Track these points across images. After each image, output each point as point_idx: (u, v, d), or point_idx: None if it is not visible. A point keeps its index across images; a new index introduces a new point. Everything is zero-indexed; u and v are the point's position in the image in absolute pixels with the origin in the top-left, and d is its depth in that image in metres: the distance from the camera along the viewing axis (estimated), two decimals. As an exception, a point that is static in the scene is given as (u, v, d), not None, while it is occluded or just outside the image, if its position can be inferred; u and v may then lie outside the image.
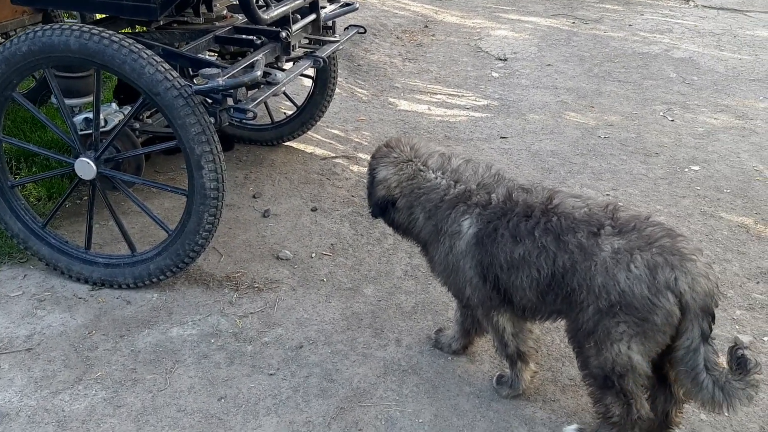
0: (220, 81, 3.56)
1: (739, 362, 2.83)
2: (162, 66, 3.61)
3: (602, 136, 6.81)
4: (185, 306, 4.01)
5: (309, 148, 6.19)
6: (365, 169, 5.84)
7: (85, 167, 3.88)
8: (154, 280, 4.04)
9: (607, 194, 5.65)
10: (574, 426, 3.21)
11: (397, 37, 10.10)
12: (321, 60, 4.61)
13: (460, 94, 7.97)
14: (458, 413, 3.36)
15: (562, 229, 2.96)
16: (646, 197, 5.63)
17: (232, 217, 4.94)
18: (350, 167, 5.93)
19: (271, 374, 3.54)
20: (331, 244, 4.76)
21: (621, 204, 3.07)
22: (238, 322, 3.91)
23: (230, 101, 3.70)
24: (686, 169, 6.15)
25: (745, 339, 3.97)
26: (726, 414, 2.99)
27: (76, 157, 3.90)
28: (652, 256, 2.80)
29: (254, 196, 5.30)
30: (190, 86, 3.60)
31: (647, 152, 6.48)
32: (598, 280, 2.85)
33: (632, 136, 6.83)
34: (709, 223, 5.28)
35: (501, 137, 6.73)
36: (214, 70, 3.61)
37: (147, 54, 3.60)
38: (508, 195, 3.13)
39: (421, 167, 3.31)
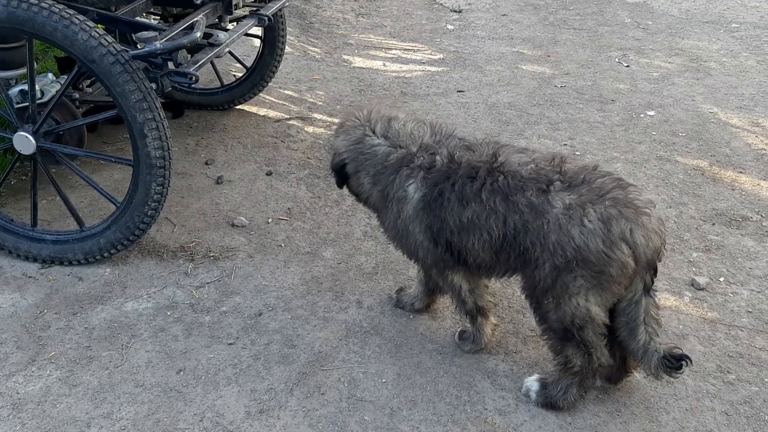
0: (158, 44, 3.41)
1: (672, 363, 2.97)
2: (96, 31, 3.44)
3: (559, 86, 6.77)
4: (139, 279, 3.91)
5: (262, 111, 6.05)
6: (321, 130, 5.75)
7: (24, 141, 3.72)
8: (106, 254, 3.92)
9: (565, 144, 5.63)
10: (536, 376, 3.22)
11: (350, -8, 9.87)
12: (266, 18, 4.46)
13: (415, 48, 7.84)
14: (421, 371, 3.34)
15: (510, 189, 2.90)
16: (602, 144, 5.62)
17: (185, 186, 4.81)
18: (305, 128, 5.82)
19: (230, 344, 3.48)
20: (288, 209, 4.68)
21: (567, 155, 3.03)
22: (195, 293, 3.83)
23: (171, 65, 3.55)
24: (642, 115, 6.16)
25: (701, 281, 4.01)
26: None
27: (14, 132, 3.73)
28: (605, 209, 2.78)
29: (207, 163, 5.16)
30: (127, 51, 3.44)
31: (603, 100, 6.46)
32: (552, 237, 2.83)
33: (588, 84, 6.81)
34: (665, 168, 5.30)
35: (458, 91, 6.65)
36: (151, 33, 3.46)
37: (79, 19, 3.43)
38: (450, 156, 3.06)
39: (368, 132, 3.25)
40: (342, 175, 3.35)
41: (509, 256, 2.99)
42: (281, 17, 5.48)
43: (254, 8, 4.72)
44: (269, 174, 5.07)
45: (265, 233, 4.40)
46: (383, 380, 3.29)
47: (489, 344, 3.45)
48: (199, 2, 4.00)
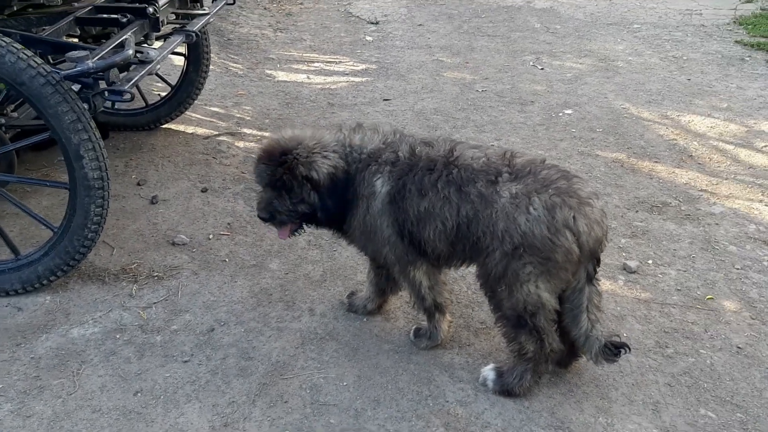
0: (90, 63, 3.36)
1: (611, 351, 3.14)
2: (24, 53, 3.36)
3: (480, 90, 6.99)
4: (82, 305, 3.81)
5: (189, 129, 5.98)
6: (252, 144, 5.74)
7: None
8: (45, 282, 3.80)
9: (492, 144, 5.81)
10: (491, 366, 3.33)
11: (265, 8, 9.89)
12: (193, 34, 4.44)
13: (337, 60, 7.93)
14: (380, 371, 3.40)
15: (462, 180, 3.04)
16: (527, 144, 5.85)
17: (119, 208, 4.71)
18: (236, 144, 5.79)
19: (185, 361, 3.44)
20: (228, 223, 4.65)
21: (518, 151, 3.18)
22: (143, 314, 3.76)
23: (103, 85, 3.49)
24: (560, 114, 6.44)
25: (632, 264, 4.24)
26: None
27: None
28: (549, 197, 2.93)
29: (139, 184, 5.07)
30: (58, 72, 3.37)
31: (523, 101, 6.72)
32: (500, 225, 2.96)
33: (507, 88, 7.06)
34: (587, 162, 5.57)
35: (384, 100, 6.77)
36: (82, 53, 3.40)
37: (5, 41, 3.33)
38: (411, 150, 3.17)
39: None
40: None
41: (464, 246, 3.11)
42: (205, 34, 5.45)
43: (178, 25, 4.69)
44: (204, 191, 5.03)
45: (208, 249, 4.36)
46: (344, 383, 3.32)
47: (444, 340, 3.53)
48: (124, 21, 3.95)
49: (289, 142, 3.20)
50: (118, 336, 3.60)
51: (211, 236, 4.49)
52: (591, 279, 3.07)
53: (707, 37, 8.45)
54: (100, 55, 3.45)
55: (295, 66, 7.74)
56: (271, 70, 7.58)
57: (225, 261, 4.25)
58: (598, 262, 3.07)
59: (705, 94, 6.88)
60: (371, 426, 3.09)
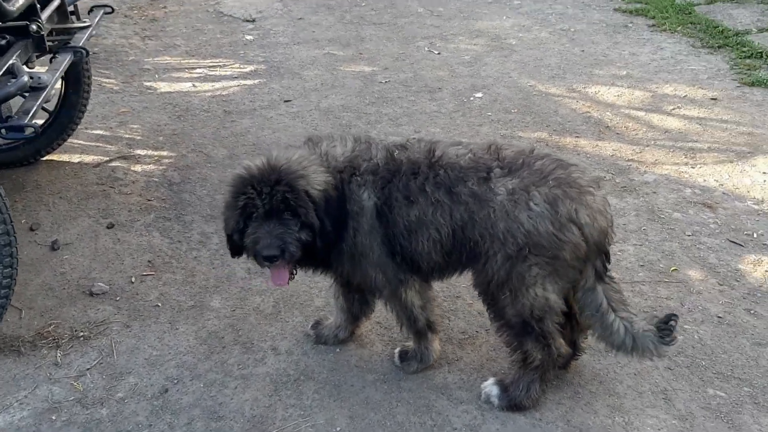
0: (-22, 94, 2.73)
1: (667, 331, 2.83)
2: None
3: (383, 81, 6.69)
4: (0, 385, 3.16)
5: (75, 157, 5.27)
6: (152, 167, 5.13)
7: None
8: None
9: (413, 137, 5.53)
10: (492, 381, 3.05)
11: (126, 15, 9.05)
12: (83, 51, 3.83)
13: (221, 64, 7.35)
14: (372, 406, 3.04)
15: (451, 181, 2.74)
16: (448, 132, 5.62)
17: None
18: (132, 168, 5.16)
19: (144, 435, 2.91)
20: (149, 261, 4.08)
21: (502, 143, 2.89)
22: (77, 385, 3.17)
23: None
24: (471, 98, 6.26)
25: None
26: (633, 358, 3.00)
27: None
28: (549, 189, 2.68)
29: (32, 229, 4.37)
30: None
31: (430, 89, 6.49)
32: (501, 225, 2.69)
33: (410, 76, 6.80)
34: (512, 144, 5.40)
35: (285, 101, 6.32)
36: (-35, 82, 2.76)
37: None
38: (389, 155, 2.83)
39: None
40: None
41: (460, 253, 2.82)
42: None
43: (57, 42, 4.04)
44: (111, 226, 4.41)
45: (133, 295, 3.79)
46: (337, 429, 2.93)
47: (436, 360, 3.21)
48: (4, 43, 3.29)
49: (276, 161, 2.75)
50: (53, 417, 3.00)
51: (133, 279, 3.91)
52: (601, 276, 2.83)
53: (587, 8, 8.60)
54: (-14, 87, 2.81)
55: (175, 74, 7.09)
56: (149, 81, 6.89)
57: (158, 306, 3.70)
58: (606, 256, 2.84)
59: (602, 63, 6.95)
60: (382, 474, 2.72)
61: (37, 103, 3.06)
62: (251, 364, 3.28)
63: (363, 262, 2.89)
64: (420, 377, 3.19)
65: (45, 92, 3.12)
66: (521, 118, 5.86)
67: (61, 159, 5.23)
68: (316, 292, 3.73)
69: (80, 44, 3.85)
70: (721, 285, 3.83)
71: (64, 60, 3.63)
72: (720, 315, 3.59)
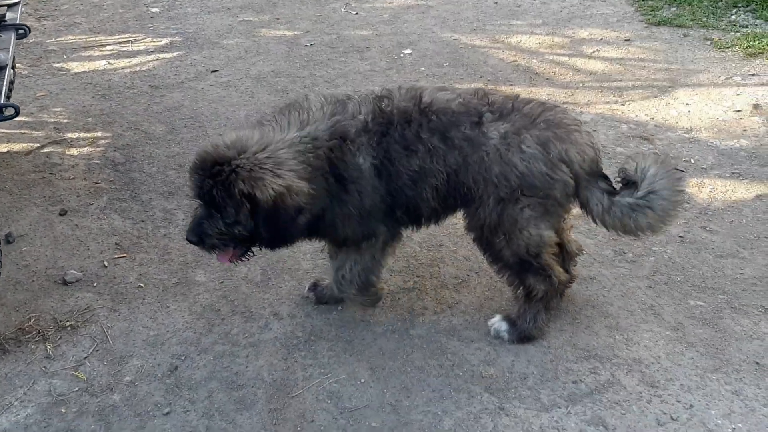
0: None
1: (628, 178, 2.90)
2: None
3: (308, 45, 6.62)
4: (-9, 387, 2.98)
5: (2, 147, 4.93)
6: (87, 150, 4.89)
7: None
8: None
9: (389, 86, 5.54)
10: (499, 317, 3.18)
11: (11, -5, 8.42)
12: (26, 28, 3.59)
13: (131, 39, 7.01)
14: (389, 356, 3.10)
15: (444, 126, 2.79)
16: (387, 90, 5.65)
17: None
18: (68, 152, 4.89)
19: (167, 413, 2.85)
20: (116, 244, 3.92)
21: (487, 89, 2.97)
22: (79, 374, 3.04)
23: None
24: (401, 55, 6.32)
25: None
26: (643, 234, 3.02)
27: None
28: (540, 132, 2.79)
29: (7, 239, 4.07)
30: None
31: (357, 48, 6.49)
32: (495, 169, 2.77)
33: (334, 38, 6.76)
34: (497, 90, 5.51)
35: (212, 71, 6.14)
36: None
37: None
38: (376, 109, 2.81)
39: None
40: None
41: (455, 200, 2.90)
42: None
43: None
44: (63, 213, 4.19)
45: (111, 279, 3.64)
46: (361, 380, 2.98)
47: (428, 308, 3.30)
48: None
49: (229, 150, 2.63)
50: (63, 410, 2.87)
51: (105, 263, 3.76)
52: (612, 193, 2.91)
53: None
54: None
55: (84, 53, 6.71)
56: (59, 62, 6.49)
57: (140, 287, 3.58)
58: (605, 177, 2.96)
59: (518, 14, 7.17)
60: (417, 416, 2.81)
61: (4, 83, 2.85)
62: (256, 332, 3.26)
63: (365, 222, 2.88)
64: (426, 324, 3.27)
65: (6, 71, 2.91)
66: (454, 71, 5.97)
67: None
68: (301, 255, 3.73)
69: (17, 21, 3.58)
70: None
71: (10, 38, 3.38)
72: (681, 235, 3.87)
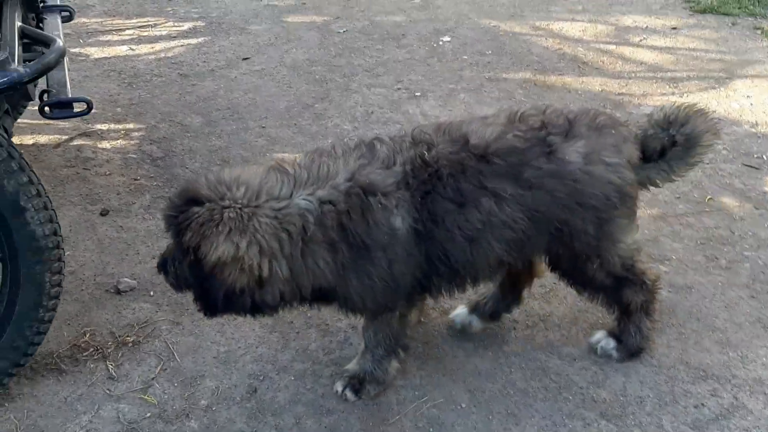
0: (22, 69, 2.22)
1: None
2: None
3: (340, 31, 6.31)
4: (53, 413, 2.70)
5: (27, 139, 4.62)
6: (120, 143, 4.57)
7: None
8: (-10, 395, 2.63)
9: (398, 87, 5.28)
10: (602, 333, 2.94)
11: (17, -25, 8.00)
12: (70, 10, 3.27)
13: (151, 23, 6.66)
14: (487, 377, 2.86)
15: (514, 168, 2.42)
16: (431, 80, 5.38)
17: (14, 264, 3.43)
18: (100, 145, 4.58)
19: (254, 443, 2.58)
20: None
21: (520, 108, 2.63)
22: (148, 398, 2.76)
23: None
24: (441, 42, 6.03)
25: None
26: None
27: None
28: (609, 139, 2.56)
29: None
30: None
31: (393, 35, 6.19)
32: (590, 192, 2.48)
33: (366, 24, 6.46)
34: (501, 87, 5.26)
35: (243, 59, 5.82)
36: (-1, 55, 2.24)
37: None
38: (419, 161, 2.39)
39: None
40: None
41: (538, 243, 2.58)
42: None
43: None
44: (105, 213, 3.89)
45: (169, 288, 3.33)
46: (462, 405, 2.73)
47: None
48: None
49: (210, 191, 2.23)
50: (136, 439, 2.59)
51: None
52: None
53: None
54: (16, 54, 2.29)
55: (102, 38, 6.36)
56: (76, 47, 6.13)
57: (201, 296, 3.28)
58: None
59: (556, 0, 6.88)
60: (531, 444, 2.56)
61: (65, 72, 2.55)
62: (336, 348, 3.00)
63: (393, 288, 2.43)
64: (520, 339, 3.03)
65: (65, 59, 2.59)
66: (498, 59, 5.70)
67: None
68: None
69: (64, 3, 3.26)
70: (757, 209, 3.89)
71: (57, 21, 3.06)
72: (771, 238, 3.64)
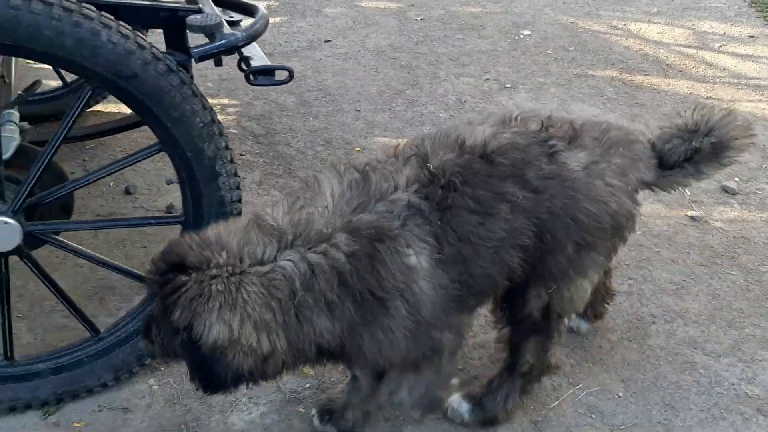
0: (240, 34, 2.22)
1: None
2: (126, 29, 2.11)
3: (418, 19, 6.29)
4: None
5: (122, 109, 4.57)
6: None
7: (3, 231, 2.21)
8: (147, 362, 2.61)
9: (487, 78, 5.27)
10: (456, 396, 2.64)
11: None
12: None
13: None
14: (635, 367, 2.88)
15: (517, 167, 2.14)
16: (519, 73, 5.38)
17: (143, 234, 3.44)
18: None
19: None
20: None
21: (514, 112, 2.38)
22: (306, 370, 2.75)
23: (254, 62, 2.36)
24: (521, 36, 6.03)
25: (731, 185, 4.09)
26: None
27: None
28: (617, 159, 2.28)
29: (128, 192, 3.77)
30: (189, 54, 2.19)
31: (472, 26, 6.18)
32: (585, 208, 2.19)
33: (442, 13, 6.44)
34: (590, 84, 5.27)
35: (325, 41, 5.79)
36: (213, 19, 2.23)
37: (93, 13, 2.06)
38: (424, 175, 2.08)
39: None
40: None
41: (537, 258, 2.23)
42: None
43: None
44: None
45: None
46: (618, 394, 2.75)
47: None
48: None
49: (195, 255, 1.89)
50: (301, 409, 2.60)
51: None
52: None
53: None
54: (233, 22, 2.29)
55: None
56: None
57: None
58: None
59: (630, 0, 6.89)
60: None
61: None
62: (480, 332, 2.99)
63: (429, 331, 2.12)
64: (662, 333, 3.05)
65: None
66: (582, 56, 5.70)
67: (107, 110, 4.52)
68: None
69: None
70: None
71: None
72: None
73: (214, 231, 1.97)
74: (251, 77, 2.30)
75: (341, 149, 4.33)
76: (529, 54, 5.69)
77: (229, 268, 1.87)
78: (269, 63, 2.35)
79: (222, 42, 2.20)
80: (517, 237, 2.12)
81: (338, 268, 1.92)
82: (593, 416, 2.64)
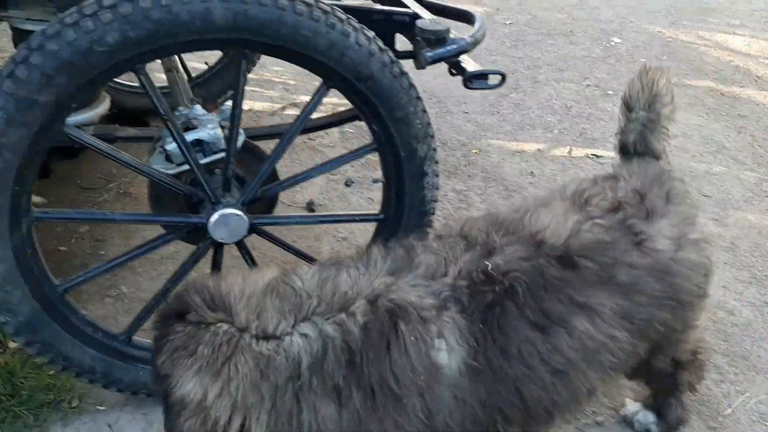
0: (468, 38, 2.28)
1: None
2: (366, 32, 2.18)
3: (506, 23, 6.36)
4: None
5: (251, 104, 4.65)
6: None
7: (231, 222, 2.28)
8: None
9: (587, 84, 5.33)
10: (636, 405, 2.67)
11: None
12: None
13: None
14: None
15: (605, 271, 1.88)
16: (617, 80, 5.43)
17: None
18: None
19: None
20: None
21: (569, 186, 2.17)
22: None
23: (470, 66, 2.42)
24: (612, 43, 6.08)
25: None
26: None
27: (212, 209, 2.27)
28: (683, 208, 2.17)
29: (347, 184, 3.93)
30: (425, 55, 2.25)
31: (562, 32, 6.24)
32: (685, 283, 2.04)
33: (529, 18, 6.51)
34: (690, 93, 5.32)
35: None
36: (440, 25, 2.29)
37: (342, 17, 2.12)
38: (477, 274, 1.79)
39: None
40: None
41: (640, 352, 2.06)
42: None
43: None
44: (349, 184, 3.96)
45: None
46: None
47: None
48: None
49: (201, 307, 1.68)
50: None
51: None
52: None
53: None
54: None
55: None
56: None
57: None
58: None
59: (710, 11, 6.95)
60: None
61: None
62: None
63: None
64: None
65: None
66: (676, 65, 5.75)
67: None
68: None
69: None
70: None
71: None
72: None
73: (233, 286, 1.71)
74: (470, 82, 2.35)
75: (458, 151, 4.39)
76: (624, 61, 5.74)
77: (227, 336, 1.62)
78: (482, 68, 2.40)
79: (453, 47, 2.26)
80: (603, 353, 1.86)
81: (351, 345, 1.63)
82: (766, 424, 2.68)
